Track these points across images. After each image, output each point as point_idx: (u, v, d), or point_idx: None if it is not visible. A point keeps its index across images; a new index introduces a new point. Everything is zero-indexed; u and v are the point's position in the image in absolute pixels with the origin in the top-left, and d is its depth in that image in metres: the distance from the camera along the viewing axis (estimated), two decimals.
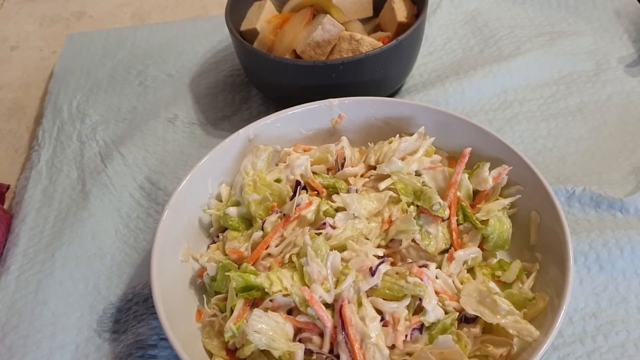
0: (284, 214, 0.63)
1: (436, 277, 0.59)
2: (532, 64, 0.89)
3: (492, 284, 0.58)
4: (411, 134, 0.70)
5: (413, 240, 0.61)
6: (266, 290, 0.56)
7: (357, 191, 0.65)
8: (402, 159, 0.67)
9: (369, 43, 0.78)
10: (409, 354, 0.55)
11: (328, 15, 0.80)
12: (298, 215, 0.62)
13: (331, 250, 0.58)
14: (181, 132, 0.87)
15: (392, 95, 0.87)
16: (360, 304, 0.56)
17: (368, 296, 0.57)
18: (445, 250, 0.62)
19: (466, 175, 0.66)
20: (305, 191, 0.66)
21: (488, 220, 0.63)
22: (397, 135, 0.70)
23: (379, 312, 0.56)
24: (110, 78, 0.97)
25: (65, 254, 0.72)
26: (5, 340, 0.65)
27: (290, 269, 0.59)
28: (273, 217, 0.63)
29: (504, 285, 0.62)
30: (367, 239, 0.62)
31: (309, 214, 0.63)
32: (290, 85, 0.80)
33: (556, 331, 0.53)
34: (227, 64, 0.96)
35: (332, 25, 0.79)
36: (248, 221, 0.67)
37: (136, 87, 0.95)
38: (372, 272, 0.56)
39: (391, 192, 0.64)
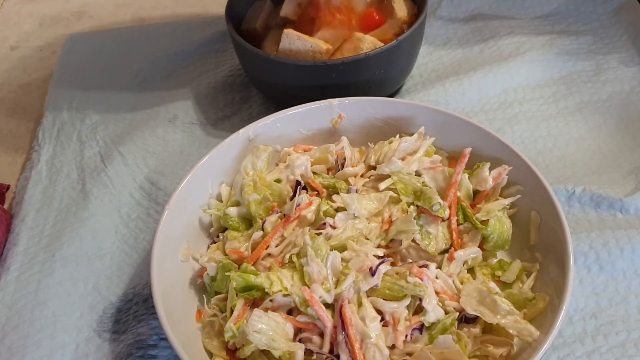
0: (284, 214, 0.63)
1: (436, 277, 0.59)
2: (532, 64, 0.89)
3: (492, 284, 0.58)
4: (411, 134, 0.70)
5: (413, 240, 0.61)
6: (266, 290, 0.56)
7: (357, 191, 0.65)
8: (402, 159, 0.67)
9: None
10: (409, 354, 0.55)
11: None
12: (298, 215, 0.62)
13: (331, 250, 0.58)
14: (181, 132, 0.87)
15: (392, 95, 0.87)
16: (360, 304, 0.56)
17: (368, 296, 0.57)
18: (446, 250, 0.62)
19: (466, 175, 0.66)
20: (306, 191, 0.66)
21: (488, 220, 0.63)
22: (397, 135, 0.70)
23: (379, 312, 0.56)
24: (110, 78, 0.97)
25: (65, 254, 0.72)
26: (5, 340, 0.65)
27: (290, 269, 0.59)
28: (273, 217, 0.63)
29: (504, 285, 0.62)
30: (367, 239, 0.62)
31: (309, 214, 0.63)
32: (290, 85, 0.80)
33: (556, 331, 0.53)
34: (227, 64, 0.96)
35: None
36: (248, 221, 0.67)
37: (136, 87, 0.95)
38: (372, 272, 0.56)
39: (391, 192, 0.64)
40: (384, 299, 0.56)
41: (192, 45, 1.01)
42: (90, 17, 1.15)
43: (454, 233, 0.63)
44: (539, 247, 0.64)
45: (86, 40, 1.05)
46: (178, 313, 0.59)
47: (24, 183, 0.82)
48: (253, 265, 0.60)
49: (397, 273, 0.58)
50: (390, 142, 0.69)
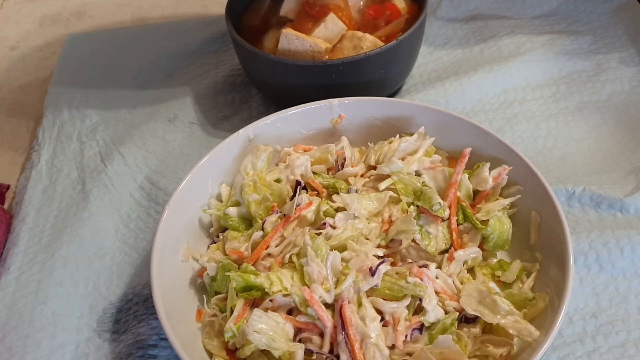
0: (284, 214, 0.63)
1: (436, 277, 0.59)
2: (532, 64, 0.89)
3: (492, 284, 0.58)
4: (411, 134, 0.70)
5: (413, 240, 0.61)
6: (266, 290, 0.56)
7: (357, 191, 0.65)
8: (402, 159, 0.67)
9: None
10: (409, 354, 0.55)
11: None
12: (298, 215, 0.62)
13: (331, 250, 0.58)
14: (181, 132, 0.87)
15: (392, 95, 0.87)
16: (360, 304, 0.56)
17: (368, 296, 0.57)
18: (446, 250, 0.62)
19: (466, 175, 0.66)
20: (305, 191, 0.66)
21: (488, 220, 0.63)
22: (397, 135, 0.70)
23: (379, 312, 0.56)
24: (109, 78, 0.97)
25: (65, 254, 0.72)
26: (5, 340, 0.65)
27: (290, 269, 0.59)
28: (273, 217, 0.63)
29: (504, 285, 0.62)
30: (367, 239, 0.62)
31: (309, 214, 0.63)
32: (290, 85, 0.80)
33: (556, 331, 0.53)
34: (227, 64, 0.96)
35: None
36: (248, 221, 0.67)
37: (136, 87, 0.95)
38: (372, 272, 0.56)
39: (391, 192, 0.64)
40: (384, 299, 0.56)
41: (192, 45, 1.01)
42: (90, 17, 1.15)
43: (454, 233, 0.63)
44: (539, 247, 0.64)
45: (86, 40, 1.05)
46: (178, 313, 0.59)
47: (24, 183, 0.82)
48: (253, 265, 0.60)
49: (397, 273, 0.58)
50: (390, 142, 0.69)
